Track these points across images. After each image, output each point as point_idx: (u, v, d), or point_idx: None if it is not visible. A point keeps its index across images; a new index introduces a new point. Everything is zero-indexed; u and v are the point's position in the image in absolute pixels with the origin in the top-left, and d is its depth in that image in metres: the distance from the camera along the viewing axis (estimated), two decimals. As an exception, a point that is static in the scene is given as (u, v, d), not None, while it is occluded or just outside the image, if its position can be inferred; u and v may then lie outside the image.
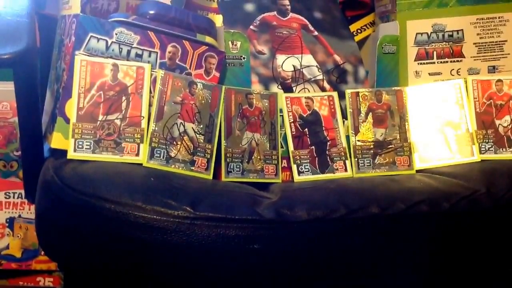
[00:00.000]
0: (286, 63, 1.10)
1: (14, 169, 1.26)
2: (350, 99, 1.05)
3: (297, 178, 1.00)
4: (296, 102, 1.05)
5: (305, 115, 1.04)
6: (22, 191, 1.21)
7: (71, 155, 0.90)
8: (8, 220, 1.27)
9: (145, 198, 0.82)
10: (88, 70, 0.93)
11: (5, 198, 1.27)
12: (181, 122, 0.96)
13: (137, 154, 0.93)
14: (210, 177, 0.95)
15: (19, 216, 1.28)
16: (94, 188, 0.83)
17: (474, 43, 1.14)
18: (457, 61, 1.15)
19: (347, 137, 1.04)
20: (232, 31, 1.08)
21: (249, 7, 1.13)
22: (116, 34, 0.94)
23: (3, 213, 1.27)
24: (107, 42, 0.94)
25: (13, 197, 1.27)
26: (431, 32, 1.14)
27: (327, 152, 1.02)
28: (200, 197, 0.85)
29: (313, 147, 1.02)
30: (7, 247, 1.27)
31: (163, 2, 1.05)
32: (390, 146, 1.03)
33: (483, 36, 1.14)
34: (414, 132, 1.05)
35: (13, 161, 1.26)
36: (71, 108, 0.91)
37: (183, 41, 0.98)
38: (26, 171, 0.95)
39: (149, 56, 0.96)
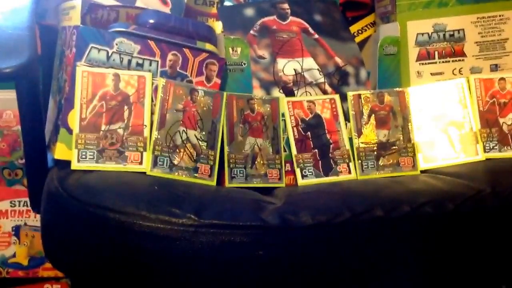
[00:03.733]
0: (287, 67, 1.10)
1: (19, 177, 1.27)
2: (352, 101, 1.05)
3: (300, 181, 1.00)
4: (298, 106, 1.05)
5: (307, 119, 1.04)
6: (28, 199, 1.21)
7: (74, 165, 0.90)
8: (14, 229, 1.28)
9: (149, 207, 0.82)
10: (90, 80, 0.93)
11: (11, 206, 1.27)
12: (184, 130, 0.96)
13: (141, 163, 0.93)
14: (214, 183, 0.95)
15: (25, 224, 1.28)
16: (99, 198, 0.83)
17: (476, 42, 1.14)
18: (459, 60, 1.14)
19: (350, 140, 1.04)
20: (232, 37, 1.08)
21: (249, 12, 1.13)
22: (116, 44, 0.95)
23: (9, 222, 1.27)
24: (107, 52, 0.94)
25: (19, 205, 1.28)
26: (432, 32, 1.14)
27: (330, 155, 1.02)
28: (204, 205, 0.85)
29: (316, 150, 1.02)
30: (14, 255, 1.28)
31: (162, 10, 1.06)
32: (394, 147, 1.03)
33: (484, 34, 1.14)
34: (418, 132, 1.04)
35: (18, 169, 1.26)
36: (73, 119, 0.92)
37: (184, 49, 0.98)
38: (31, 182, 0.96)
39: (150, 65, 0.97)
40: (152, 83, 0.96)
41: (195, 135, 0.96)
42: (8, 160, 1.26)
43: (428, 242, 0.87)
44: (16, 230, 1.28)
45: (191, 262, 0.82)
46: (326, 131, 1.04)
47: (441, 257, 0.88)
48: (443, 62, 1.15)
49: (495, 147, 1.03)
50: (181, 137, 0.96)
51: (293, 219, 0.84)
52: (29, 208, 1.26)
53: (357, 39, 1.21)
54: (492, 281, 0.97)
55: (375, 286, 0.89)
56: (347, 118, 1.05)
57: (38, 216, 1.25)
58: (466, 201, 0.89)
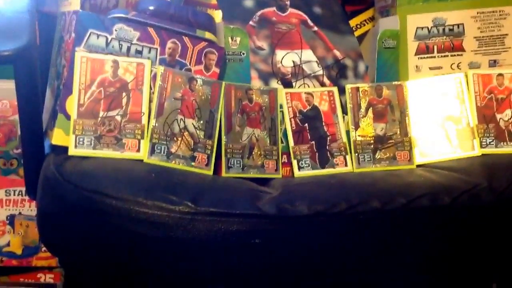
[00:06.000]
0: (285, 59, 1.10)
1: (14, 167, 1.26)
2: (350, 94, 1.05)
3: (297, 173, 1.00)
4: (296, 98, 1.05)
5: (305, 110, 1.04)
6: (23, 189, 1.21)
7: (72, 151, 0.90)
8: (8, 218, 1.27)
9: (146, 193, 0.82)
10: (89, 66, 0.93)
11: (6, 195, 1.27)
12: (181, 118, 0.96)
13: (138, 150, 0.93)
14: (211, 172, 0.95)
15: (20, 213, 1.28)
16: (95, 184, 0.83)
17: (475, 37, 1.14)
18: (458, 55, 1.15)
19: (347, 132, 1.04)
20: (232, 26, 1.07)
21: (248, 2, 1.13)
22: (116, 30, 0.94)
23: (4, 211, 1.27)
24: (107, 38, 0.94)
25: (14, 195, 1.27)
26: (431, 26, 1.14)
27: (327, 147, 1.02)
28: (201, 192, 0.85)
29: (313, 142, 1.02)
30: (8, 244, 1.27)
31: (163, -2, 1.06)
32: (391, 141, 1.03)
33: (484, 30, 1.14)
34: (415, 126, 1.04)
35: (13, 159, 1.26)
36: (71, 105, 0.91)
37: (183, 37, 0.98)
38: (27, 167, 0.95)
39: (149, 52, 0.96)
40: (151, 71, 0.96)
41: (192, 124, 0.96)
42: (3, 149, 1.26)
43: (423, 235, 0.88)
44: (11, 219, 1.27)
45: (187, 249, 0.83)
46: (324, 123, 1.04)
47: (435, 249, 0.88)
48: (442, 56, 1.15)
49: (492, 143, 1.03)
50: (179, 126, 0.95)
51: (289, 208, 0.84)
52: (24, 197, 1.26)
53: (356, 33, 1.21)
54: (484, 276, 0.97)
55: (370, 276, 0.89)
56: (344, 111, 1.06)
57: (33, 205, 1.25)
58: (462, 195, 0.89)
